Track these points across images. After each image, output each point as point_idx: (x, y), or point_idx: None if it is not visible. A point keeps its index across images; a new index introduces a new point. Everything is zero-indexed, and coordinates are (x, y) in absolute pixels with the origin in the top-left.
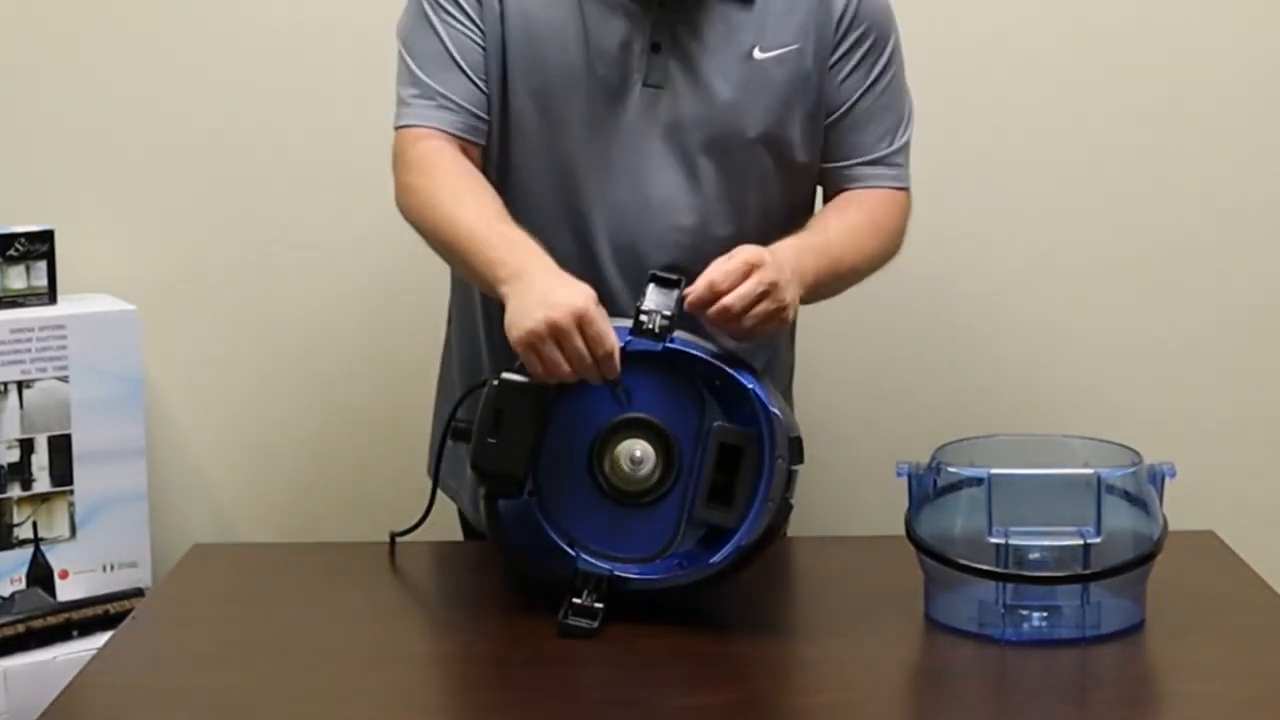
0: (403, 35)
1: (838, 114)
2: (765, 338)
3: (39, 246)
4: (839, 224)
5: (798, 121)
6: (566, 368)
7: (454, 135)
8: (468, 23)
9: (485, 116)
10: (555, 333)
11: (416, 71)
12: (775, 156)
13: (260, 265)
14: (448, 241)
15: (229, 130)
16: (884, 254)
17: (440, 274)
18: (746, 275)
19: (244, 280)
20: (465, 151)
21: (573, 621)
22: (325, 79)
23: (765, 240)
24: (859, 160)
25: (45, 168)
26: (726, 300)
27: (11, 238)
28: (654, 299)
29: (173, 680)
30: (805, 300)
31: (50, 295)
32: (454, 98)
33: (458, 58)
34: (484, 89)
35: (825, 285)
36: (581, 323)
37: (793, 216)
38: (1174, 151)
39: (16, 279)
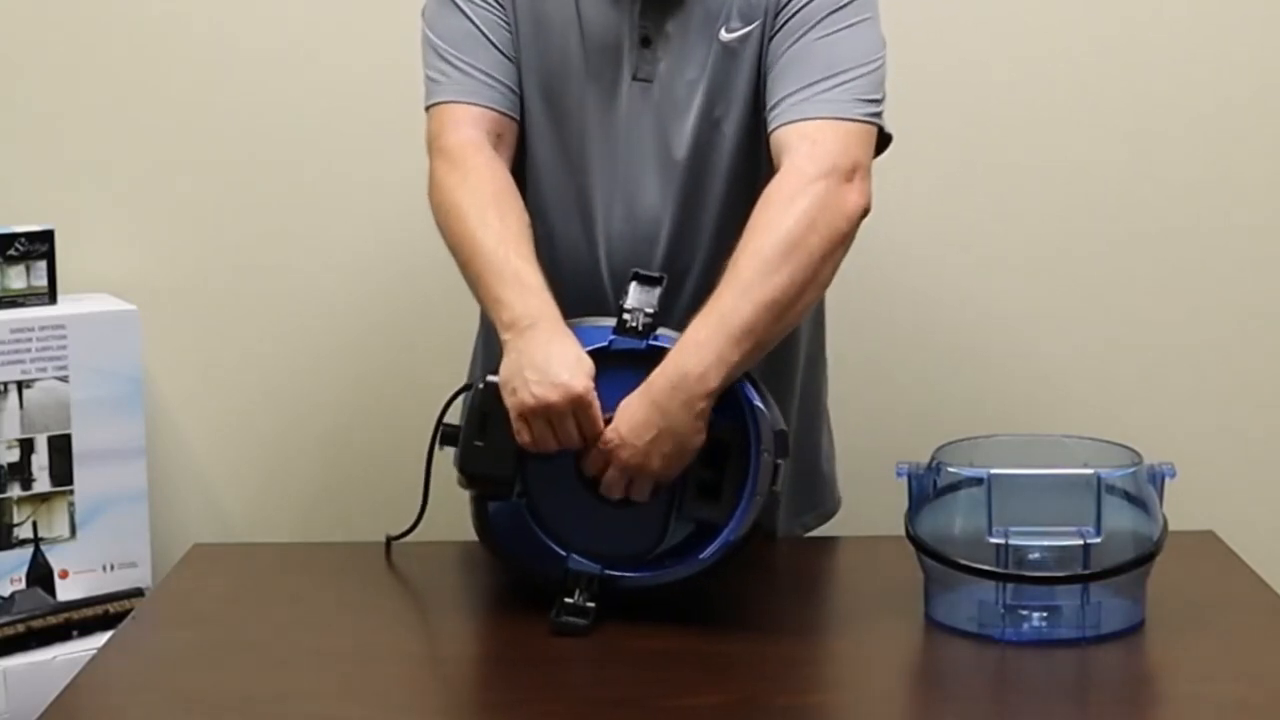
0: (428, 19)
1: (770, 69)
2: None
3: (39, 246)
4: (752, 262)
5: (757, 109)
6: (555, 445)
7: (489, 109)
8: (493, 3)
9: (517, 90)
10: (550, 414)
11: (447, 49)
12: (742, 146)
13: (260, 265)
14: (464, 260)
15: (229, 130)
16: (829, 262)
17: (441, 274)
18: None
19: (244, 280)
20: (500, 135)
21: (565, 620)
22: (327, 79)
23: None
24: (784, 94)
25: (45, 168)
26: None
27: (11, 238)
28: (636, 297)
29: (173, 680)
30: (754, 358)
31: (50, 295)
32: (487, 70)
33: (487, 33)
34: (515, 62)
35: (757, 351)
36: (577, 408)
37: None
38: (1174, 154)
39: (16, 279)
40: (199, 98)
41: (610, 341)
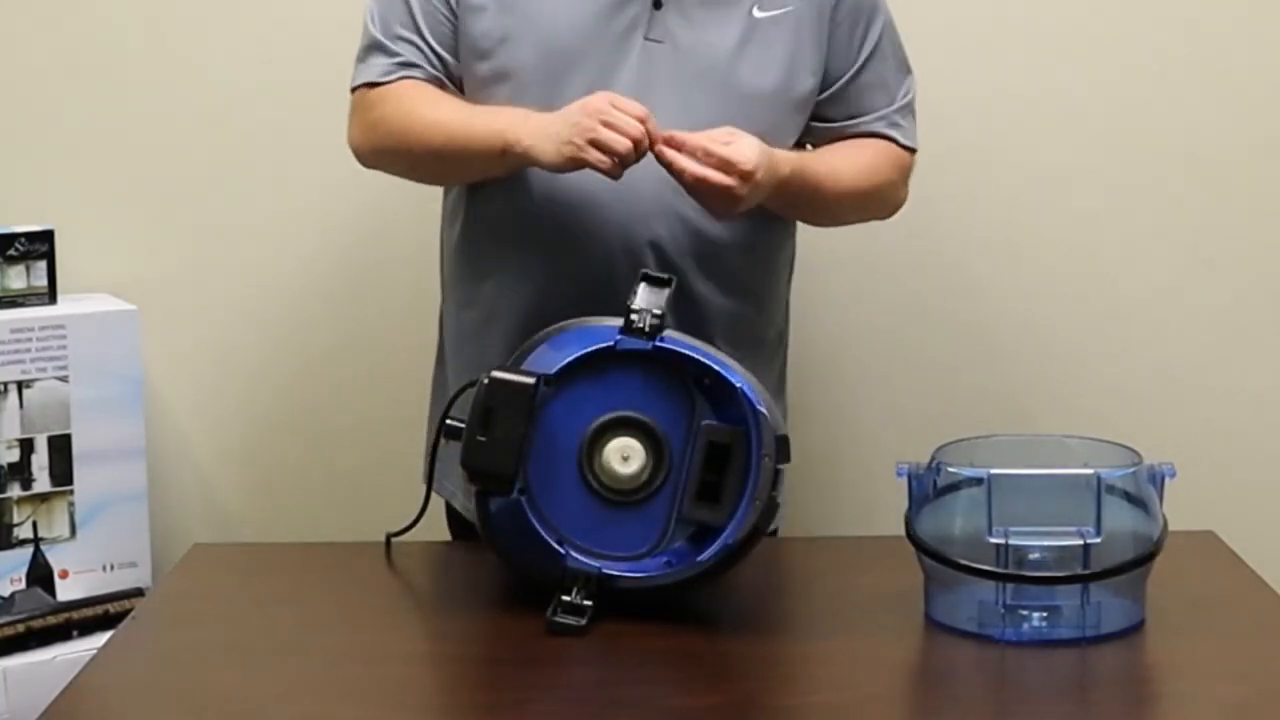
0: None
1: (834, 86)
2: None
3: (39, 246)
4: (839, 154)
5: (791, 86)
6: (626, 142)
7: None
8: None
9: (442, 78)
10: (594, 113)
11: (375, 32)
12: (768, 118)
13: (260, 265)
14: (438, 147)
15: (229, 130)
16: (876, 200)
17: (439, 271)
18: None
19: (244, 280)
20: None
21: (561, 619)
22: (326, 78)
23: (762, 217)
24: (860, 118)
25: (45, 168)
26: (692, 139)
27: (11, 238)
28: (645, 298)
29: (173, 680)
30: (776, 206)
31: (50, 295)
32: (415, 61)
33: (421, 26)
34: (446, 57)
35: (798, 196)
36: (610, 101)
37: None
38: (1173, 153)
39: (16, 279)
40: (199, 98)
41: (616, 341)
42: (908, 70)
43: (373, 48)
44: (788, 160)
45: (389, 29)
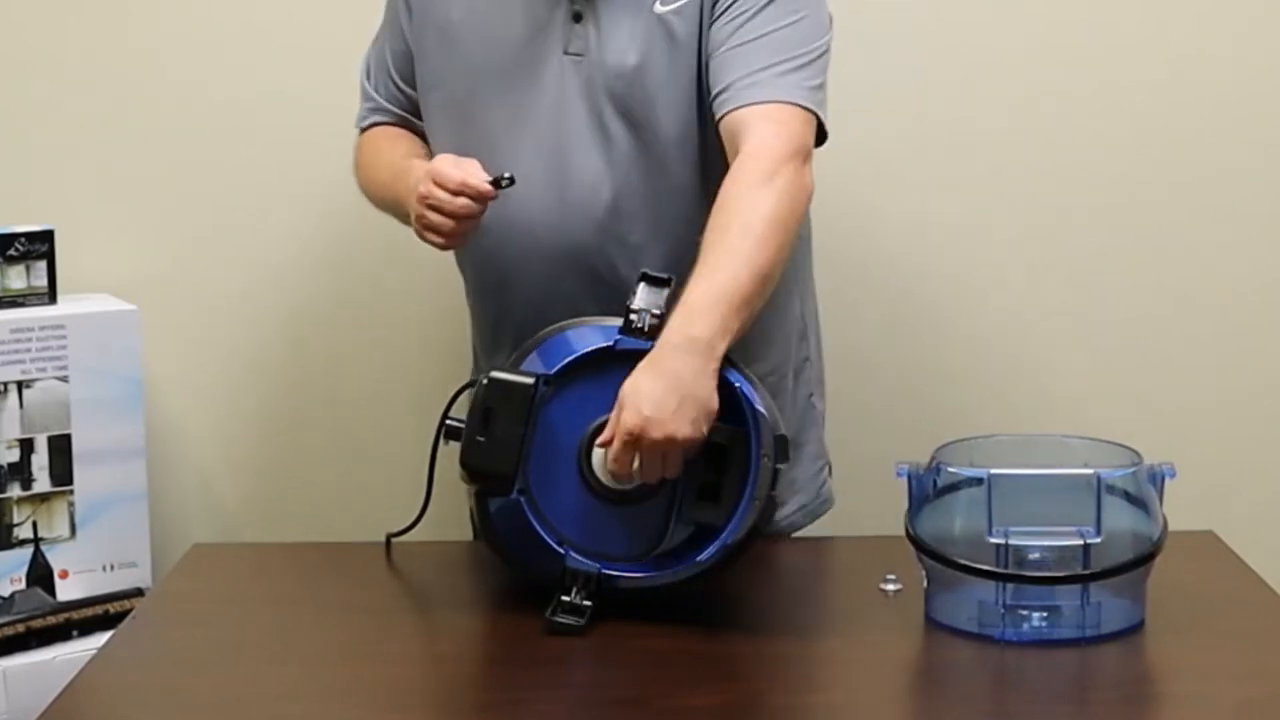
0: (374, 38)
1: (715, 53)
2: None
3: (39, 246)
4: (725, 255)
5: (700, 78)
6: (449, 223)
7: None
8: (403, 31)
9: (409, 116)
10: (420, 199)
11: (363, 79)
12: (682, 118)
13: (260, 265)
14: (379, 200)
15: (230, 130)
16: (789, 233)
17: (442, 275)
18: (630, 450)
19: (244, 280)
20: None
21: (561, 619)
22: (326, 79)
23: (681, 222)
24: (738, 77)
25: (45, 168)
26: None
27: (11, 238)
28: (644, 298)
29: (173, 680)
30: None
31: (50, 295)
32: (386, 104)
33: (390, 67)
34: (412, 95)
35: (749, 320)
36: (432, 179)
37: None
38: (1173, 151)
39: (16, 279)
40: (200, 98)
41: (616, 341)
42: (808, 38)
43: (361, 91)
44: (710, 323)
45: (369, 73)
